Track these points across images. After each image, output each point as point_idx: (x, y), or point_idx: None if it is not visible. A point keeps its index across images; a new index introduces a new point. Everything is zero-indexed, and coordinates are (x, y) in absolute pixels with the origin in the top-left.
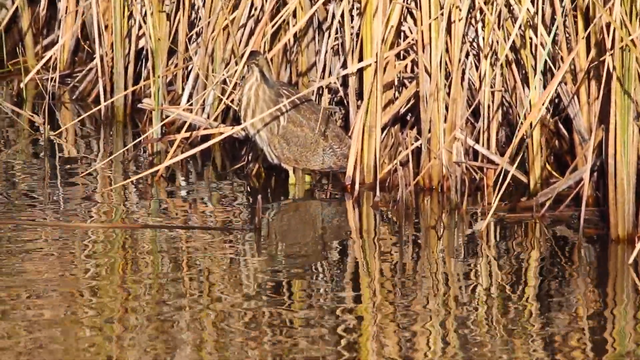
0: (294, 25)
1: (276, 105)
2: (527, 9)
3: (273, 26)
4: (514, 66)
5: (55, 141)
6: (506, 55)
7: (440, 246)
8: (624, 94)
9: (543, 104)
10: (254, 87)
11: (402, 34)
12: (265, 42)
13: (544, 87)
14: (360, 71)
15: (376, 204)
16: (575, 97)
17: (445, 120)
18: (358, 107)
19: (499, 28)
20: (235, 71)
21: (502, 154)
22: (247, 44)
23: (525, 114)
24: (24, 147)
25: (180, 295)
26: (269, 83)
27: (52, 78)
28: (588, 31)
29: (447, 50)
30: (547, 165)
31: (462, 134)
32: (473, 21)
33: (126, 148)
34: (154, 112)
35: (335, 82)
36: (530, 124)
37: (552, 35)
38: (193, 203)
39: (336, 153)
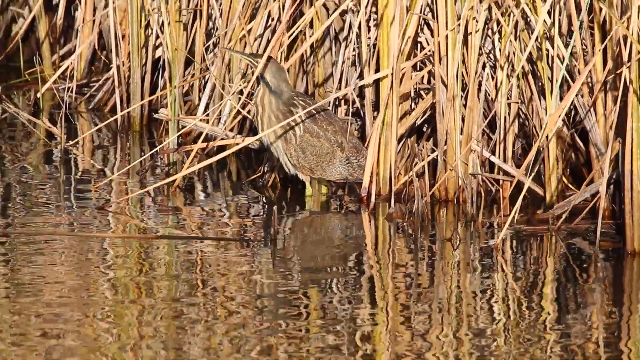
0: (310, 36)
1: (289, 115)
2: (544, 21)
3: (290, 37)
4: (530, 78)
5: (71, 151)
6: (522, 67)
7: (456, 258)
8: None
9: (559, 116)
10: (259, 96)
11: (419, 45)
12: (282, 53)
13: (560, 99)
14: (376, 82)
15: (390, 216)
16: (592, 109)
17: (461, 132)
18: (374, 118)
19: (515, 39)
20: (249, 81)
21: (518, 166)
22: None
23: (541, 126)
24: (40, 156)
25: (195, 306)
26: (276, 93)
27: (68, 87)
28: (605, 43)
29: (463, 62)
30: (564, 178)
31: (478, 146)
32: (490, 32)
33: (142, 158)
34: (170, 122)
35: (351, 93)
36: (547, 136)
37: (569, 49)
38: (209, 214)
39: (352, 164)
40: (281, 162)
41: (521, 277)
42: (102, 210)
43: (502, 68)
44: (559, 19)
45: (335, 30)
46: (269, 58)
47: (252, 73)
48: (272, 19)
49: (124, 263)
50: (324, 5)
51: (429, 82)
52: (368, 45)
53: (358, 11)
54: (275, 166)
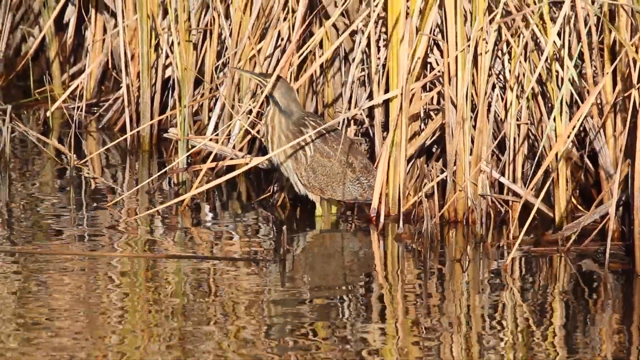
0: (320, 56)
1: (299, 135)
2: (554, 42)
3: (299, 57)
4: (540, 99)
5: (81, 170)
6: (532, 88)
7: (465, 279)
8: None
9: (569, 137)
10: (269, 115)
11: (428, 65)
12: (291, 73)
13: (570, 120)
14: (386, 102)
15: (399, 237)
16: (601, 130)
17: (470, 153)
18: (384, 138)
19: (525, 60)
20: (259, 101)
21: (527, 187)
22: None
23: (551, 147)
24: (49, 175)
25: (204, 326)
26: (286, 113)
27: (78, 107)
28: (614, 65)
29: (473, 82)
30: (573, 199)
31: (487, 167)
32: (499, 53)
33: (152, 178)
34: (179, 142)
35: (361, 114)
36: (556, 156)
37: (574, 60)
38: (218, 233)
39: (363, 185)
40: (291, 181)
41: (530, 298)
42: (111, 229)
43: (511, 89)
44: (569, 40)
45: (344, 50)
46: (279, 77)
47: (262, 93)
48: (282, 39)
49: (133, 282)
50: (334, 25)
51: (438, 102)
52: (377, 65)
53: (368, 31)
54: (284, 186)
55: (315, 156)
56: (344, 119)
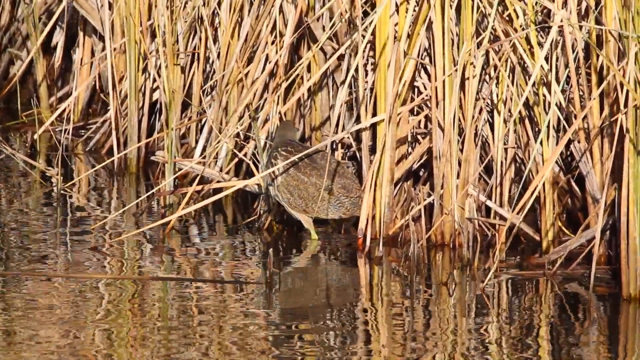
0: (308, 80)
1: (270, 166)
2: (541, 66)
3: (287, 80)
4: (527, 122)
5: (68, 193)
6: (519, 112)
7: (452, 303)
8: (637, 153)
9: (554, 161)
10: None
11: (416, 89)
12: (279, 96)
13: (557, 144)
14: (373, 126)
15: (379, 259)
16: (588, 154)
17: (457, 176)
18: (371, 162)
19: (512, 84)
20: (249, 124)
21: (514, 210)
22: (261, 98)
23: (536, 170)
24: (36, 198)
25: (190, 348)
26: (271, 146)
27: (65, 130)
28: (601, 89)
29: (460, 106)
30: (559, 223)
31: (474, 190)
32: (487, 77)
33: (139, 200)
34: (167, 164)
35: (348, 137)
36: (542, 180)
37: (561, 85)
38: (204, 256)
39: (344, 204)
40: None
41: (516, 321)
42: (97, 251)
43: (499, 113)
44: (556, 65)
45: (332, 74)
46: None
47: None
48: (270, 62)
49: (118, 304)
50: (322, 49)
51: (425, 126)
52: (365, 89)
53: (356, 55)
54: (271, 209)
55: (288, 182)
56: (331, 142)
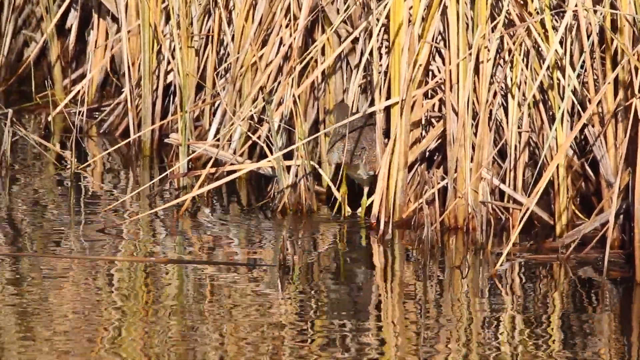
0: (322, 63)
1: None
2: (556, 50)
3: (301, 63)
4: (541, 106)
5: (81, 175)
6: (534, 96)
7: (465, 286)
8: None
9: (570, 146)
10: None
11: (430, 72)
12: (293, 79)
13: (571, 128)
14: (387, 109)
15: (392, 242)
16: (602, 139)
17: (471, 160)
18: (385, 145)
19: (527, 68)
20: (263, 107)
21: (528, 195)
22: (275, 81)
23: (550, 154)
24: (50, 180)
25: (203, 330)
26: None
27: (79, 112)
28: (616, 73)
29: (474, 90)
30: (573, 207)
31: (488, 174)
32: (501, 61)
33: (152, 182)
34: (180, 147)
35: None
36: (557, 166)
37: (576, 71)
38: (218, 239)
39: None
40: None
41: (529, 305)
42: (110, 233)
43: (513, 97)
44: (571, 49)
45: (346, 57)
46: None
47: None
48: (284, 45)
49: (132, 286)
50: (336, 32)
51: (440, 110)
52: (379, 72)
53: (370, 38)
54: (284, 191)
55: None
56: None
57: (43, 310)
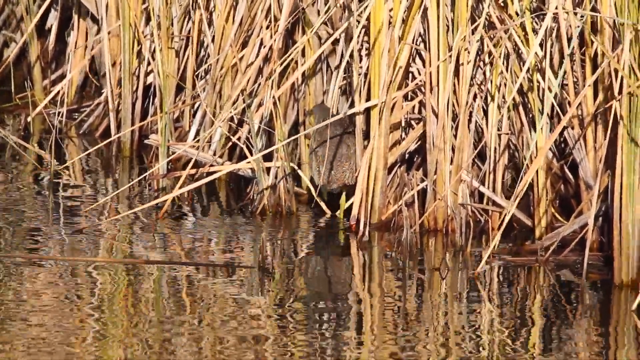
0: (302, 65)
1: None
2: (535, 53)
3: (281, 65)
4: (521, 109)
5: (61, 175)
6: (513, 98)
7: (444, 288)
8: (631, 140)
9: (549, 148)
10: None
11: (410, 74)
12: (273, 81)
13: (551, 131)
14: (367, 111)
15: (371, 244)
16: (582, 141)
17: (451, 162)
18: (365, 147)
19: (506, 71)
20: (243, 109)
21: (507, 197)
22: (255, 82)
23: (530, 158)
24: (29, 180)
25: (181, 331)
26: None
27: (59, 112)
28: (596, 76)
29: (454, 92)
30: (552, 209)
31: (468, 176)
32: (481, 64)
33: (132, 183)
34: (160, 148)
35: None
36: (536, 169)
37: (559, 79)
38: (197, 240)
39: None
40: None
41: (508, 308)
42: (89, 234)
43: (493, 99)
44: (551, 51)
45: (327, 59)
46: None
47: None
48: (264, 47)
49: (110, 287)
50: (316, 34)
51: (419, 111)
52: (359, 74)
53: (350, 40)
54: (263, 193)
55: None
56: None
57: (20, 311)
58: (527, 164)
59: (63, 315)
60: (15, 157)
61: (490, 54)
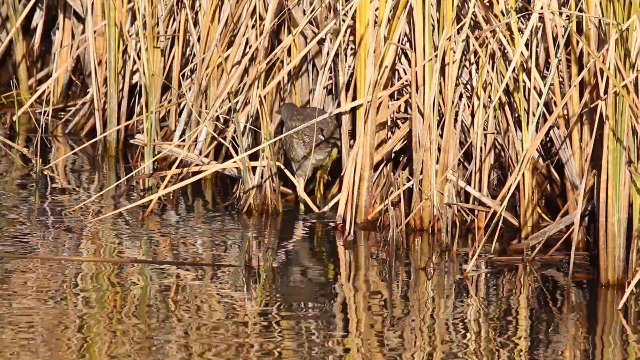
0: (288, 64)
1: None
2: (521, 53)
3: (267, 64)
4: (507, 109)
5: (46, 175)
6: (499, 98)
7: (430, 288)
8: (616, 140)
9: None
10: None
11: (396, 74)
12: (259, 80)
13: (537, 131)
14: (353, 110)
15: (357, 244)
16: (568, 141)
17: (437, 162)
18: (351, 146)
19: (492, 70)
20: (229, 108)
21: (493, 196)
22: (241, 81)
23: (517, 157)
24: (15, 180)
25: (167, 330)
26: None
27: (45, 111)
28: (582, 76)
29: (440, 92)
30: (538, 209)
31: (453, 176)
32: (467, 63)
33: (117, 183)
34: (146, 147)
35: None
36: (522, 170)
37: (548, 80)
38: (183, 239)
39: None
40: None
41: (494, 307)
42: (75, 233)
43: (479, 99)
44: (537, 51)
45: (313, 58)
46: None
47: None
48: (250, 47)
49: (96, 286)
50: (302, 33)
51: (405, 111)
52: (345, 73)
53: (336, 39)
54: (249, 192)
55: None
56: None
57: (5, 310)
58: (513, 164)
59: (47, 314)
60: (0, 156)
61: (476, 53)
